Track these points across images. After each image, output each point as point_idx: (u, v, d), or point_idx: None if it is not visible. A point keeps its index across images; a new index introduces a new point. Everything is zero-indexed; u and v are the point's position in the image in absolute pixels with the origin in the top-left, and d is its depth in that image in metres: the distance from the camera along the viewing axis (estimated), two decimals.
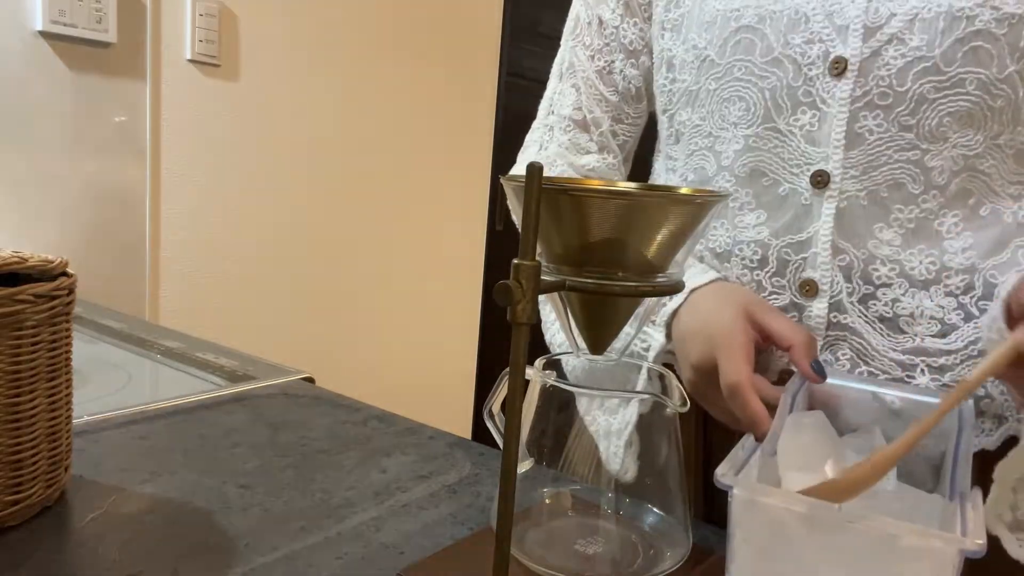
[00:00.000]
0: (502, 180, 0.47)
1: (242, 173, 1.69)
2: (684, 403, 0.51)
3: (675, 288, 0.48)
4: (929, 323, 0.62)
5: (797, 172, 0.64)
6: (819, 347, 0.64)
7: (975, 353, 0.61)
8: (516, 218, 0.46)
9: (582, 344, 0.51)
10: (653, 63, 0.76)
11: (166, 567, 0.50)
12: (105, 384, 0.88)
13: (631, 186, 0.56)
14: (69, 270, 0.57)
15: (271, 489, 0.63)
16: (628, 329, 0.51)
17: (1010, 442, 0.63)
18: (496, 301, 0.39)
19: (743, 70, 0.64)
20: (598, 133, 0.79)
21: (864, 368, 0.64)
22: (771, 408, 0.54)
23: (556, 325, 0.75)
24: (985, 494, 0.44)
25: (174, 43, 1.53)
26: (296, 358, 1.17)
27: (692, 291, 0.65)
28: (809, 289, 0.64)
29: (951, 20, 0.57)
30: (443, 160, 2.14)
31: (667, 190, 0.62)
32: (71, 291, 0.56)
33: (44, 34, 1.33)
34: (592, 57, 0.78)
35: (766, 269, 0.66)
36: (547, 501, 0.57)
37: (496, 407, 0.55)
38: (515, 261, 0.39)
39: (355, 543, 0.55)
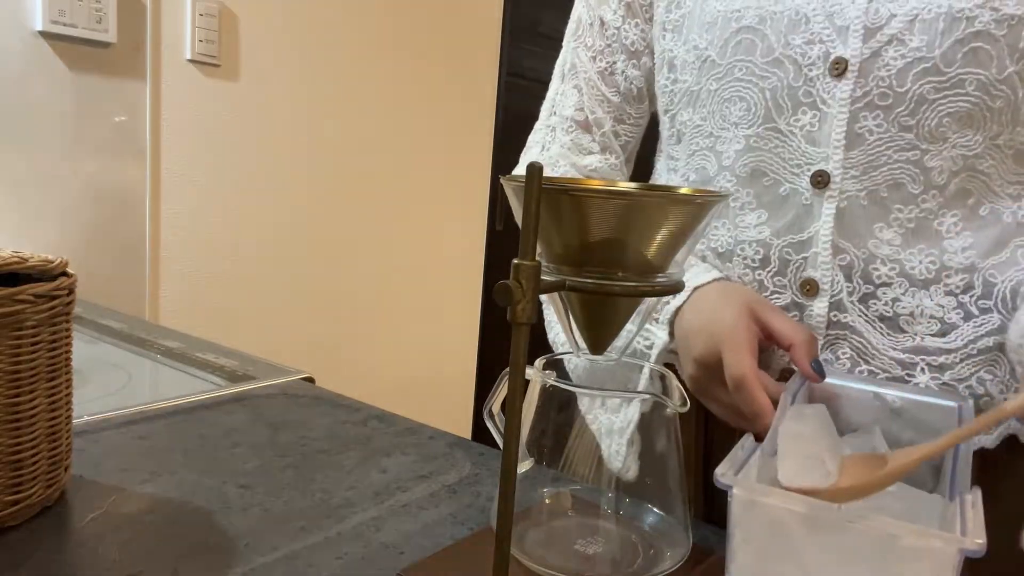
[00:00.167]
0: (502, 180, 0.47)
1: (242, 173, 1.69)
2: (684, 403, 0.51)
3: (675, 288, 0.48)
4: (929, 322, 0.62)
5: (798, 172, 0.64)
6: (820, 346, 0.64)
7: (974, 352, 0.62)
8: (517, 218, 0.46)
9: (582, 344, 0.51)
10: (654, 64, 0.76)
11: (166, 567, 0.50)
12: (105, 384, 0.88)
13: (631, 186, 0.56)
14: (69, 270, 0.57)
15: (271, 489, 0.63)
16: (629, 327, 0.51)
17: (1009, 441, 0.63)
18: (496, 301, 0.39)
19: (744, 70, 0.65)
20: (600, 134, 0.79)
21: (864, 367, 0.64)
22: (773, 404, 0.54)
23: (559, 325, 0.75)
24: (985, 495, 0.44)
25: (174, 43, 1.53)
26: (296, 358, 1.17)
27: (695, 289, 0.65)
28: (810, 288, 0.64)
29: (951, 21, 0.57)
30: (443, 160, 2.14)
31: (667, 190, 0.62)
32: (71, 291, 0.56)
33: (44, 34, 1.33)
34: (594, 58, 0.78)
35: (767, 269, 0.67)
36: (547, 501, 0.57)
37: (496, 407, 0.55)
38: (515, 261, 0.39)
39: (355, 543, 0.55)
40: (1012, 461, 0.63)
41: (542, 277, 0.40)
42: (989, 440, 0.63)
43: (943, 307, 0.62)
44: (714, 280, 0.66)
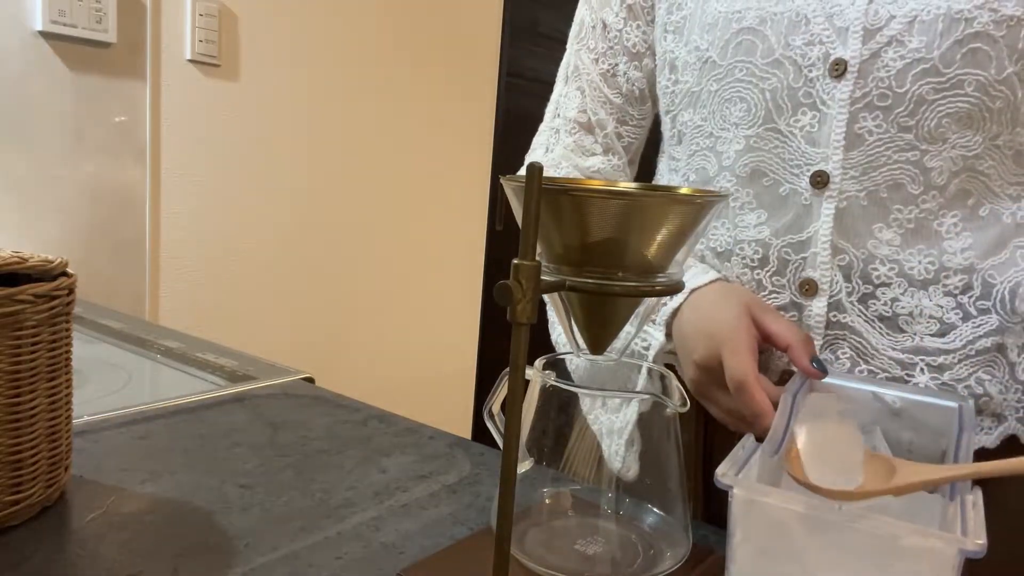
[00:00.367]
0: (502, 180, 0.47)
1: (242, 173, 1.69)
2: (684, 403, 0.51)
3: (675, 288, 0.48)
4: (928, 322, 0.62)
5: (797, 172, 0.64)
6: (819, 346, 0.64)
7: (972, 353, 0.62)
8: (517, 218, 0.46)
9: (582, 344, 0.51)
10: (656, 65, 0.76)
11: (166, 567, 0.50)
12: (105, 384, 0.88)
13: (631, 186, 0.56)
14: (69, 270, 0.57)
15: (271, 489, 0.63)
16: (628, 329, 0.51)
17: (1009, 441, 0.63)
18: (496, 301, 0.39)
19: (744, 71, 0.65)
20: (603, 135, 0.80)
21: (864, 367, 0.64)
22: (773, 407, 0.54)
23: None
24: (985, 495, 0.44)
25: (174, 43, 1.53)
26: (296, 358, 1.17)
27: (692, 291, 0.65)
28: (809, 288, 0.65)
29: (950, 22, 0.57)
30: (443, 160, 2.14)
31: (667, 190, 0.62)
32: (71, 291, 0.57)
33: (44, 34, 1.33)
34: (596, 60, 0.78)
35: (766, 268, 0.67)
36: (547, 501, 0.57)
37: (496, 407, 0.55)
38: (515, 261, 0.39)
39: (355, 543, 0.55)
40: None
41: (542, 277, 0.40)
42: (989, 440, 0.63)
43: (942, 307, 0.62)
44: (712, 281, 0.66)
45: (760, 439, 0.50)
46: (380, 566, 0.53)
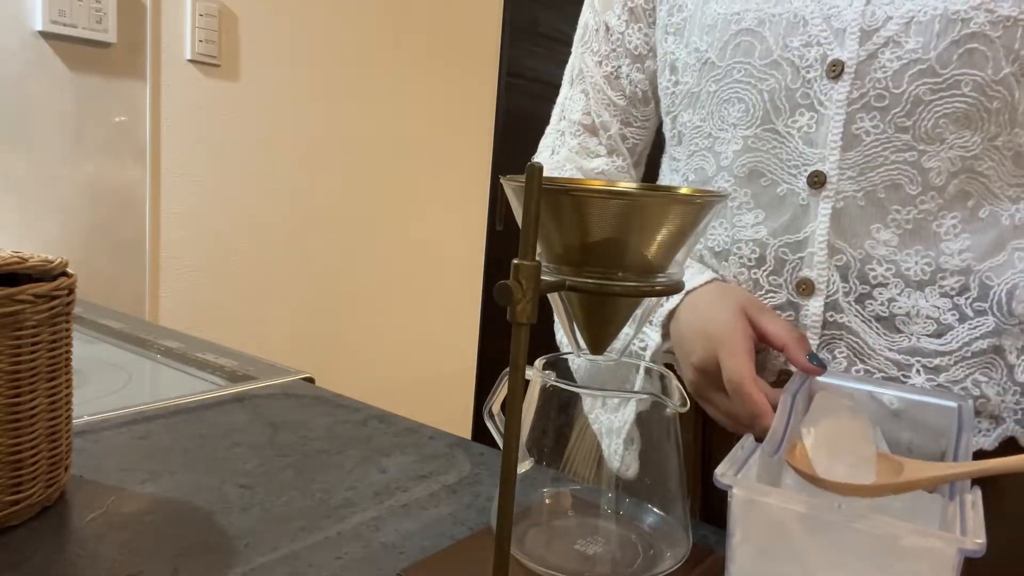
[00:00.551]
0: (502, 180, 0.47)
1: (242, 173, 1.69)
2: (684, 403, 0.51)
3: (675, 288, 0.48)
4: (925, 323, 0.62)
5: (795, 173, 0.64)
6: (815, 346, 0.65)
7: (969, 354, 0.62)
8: (517, 218, 0.47)
9: (582, 344, 0.51)
10: (658, 67, 0.76)
11: (166, 567, 0.51)
12: (105, 384, 0.88)
13: (631, 186, 0.57)
14: (69, 270, 0.57)
15: (271, 489, 0.63)
16: (627, 330, 0.51)
17: (1008, 443, 0.63)
18: (496, 301, 0.39)
19: (742, 72, 0.65)
20: (607, 137, 0.80)
21: (860, 367, 0.64)
22: (772, 407, 0.54)
23: None
24: (985, 495, 0.44)
25: (174, 43, 1.53)
26: (296, 358, 1.17)
27: (688, 292, 0.65)
28: (805, 288, 0.65)
29: (946, 23, 0.57)
30: (443, 160, 2.14)
31: (667, 190, 0.62)
32: (71, 291, 0.57)
33: (44, 34, 1.33)
34: (599, 63, 0.79)
35: (763, 268, 0.67)
36: (547, 501, 0.57)
37: (496, 407, 0.55)
38: (515, 261, 0.39)
39: (355, 543, 0.56)
40: None
41: (542, 277, 0.40)
42: (988, 442, 0.63)
43: (939, 308, 0.62)
44: (708, 282, 0.66)
45: (759, 439, 0.50)
46: (380, 566, 0.53)
